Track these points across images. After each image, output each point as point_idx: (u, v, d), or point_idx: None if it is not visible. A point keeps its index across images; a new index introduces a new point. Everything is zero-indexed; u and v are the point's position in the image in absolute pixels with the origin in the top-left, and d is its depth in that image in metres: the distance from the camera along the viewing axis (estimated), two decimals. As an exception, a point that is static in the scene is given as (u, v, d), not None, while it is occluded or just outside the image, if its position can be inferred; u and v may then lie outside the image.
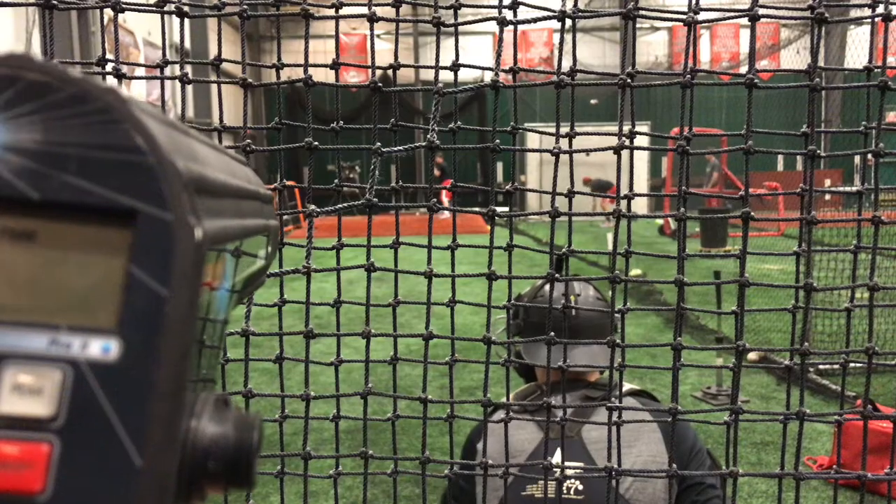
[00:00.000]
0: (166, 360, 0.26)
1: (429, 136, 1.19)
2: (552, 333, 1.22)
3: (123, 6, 1.15)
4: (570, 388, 1.39)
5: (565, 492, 1.48)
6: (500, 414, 1.41)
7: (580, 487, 1.49)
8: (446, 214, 1.31)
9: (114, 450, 0.25)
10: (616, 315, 1.25)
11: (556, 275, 1.21)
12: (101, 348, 0.25)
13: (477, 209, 1.31)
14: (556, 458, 1.40)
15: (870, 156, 1.14)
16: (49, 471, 0.24)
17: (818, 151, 1.12)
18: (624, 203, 1.21)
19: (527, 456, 1.52)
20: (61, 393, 0.25)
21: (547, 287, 1.65)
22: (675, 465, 1.21)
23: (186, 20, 1.20)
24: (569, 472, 1.49)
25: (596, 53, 21.81)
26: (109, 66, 1.21)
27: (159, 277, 0.26)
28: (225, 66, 1.24)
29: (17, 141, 0.26)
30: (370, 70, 1.26)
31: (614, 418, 1.20)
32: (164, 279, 0.26)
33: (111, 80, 1.19)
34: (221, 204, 0.31)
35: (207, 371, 0.32)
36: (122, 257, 0.26)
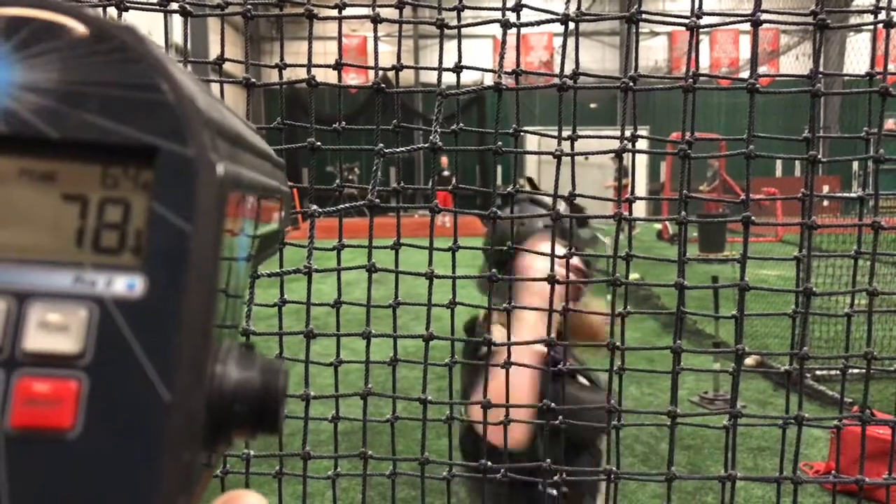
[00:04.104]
0: (192, 294, 0.25)
1: (431, 137, 1.19)
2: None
3: (127, 5, 1.15)
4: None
5: None
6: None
7: None
8: (446, 224, 1.31)
9: (142, 385, 0.25)
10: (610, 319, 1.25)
11: (552, 289, 1.21)
12: (126, 285, 0.25)
13: (477, 212, 1.31)
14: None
15: (870, 162, 1.15)
16: (78, 407, 0.24)
17: (820, 157, 1.13)
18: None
19: None
20: (87, 330, 0.25)
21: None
22: (673, 470, 1.21)
23: (188, 20, 1.20)
24: None
25: (595, 57, 21.85)
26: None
27: (182, 213, 0.26)
28: (225, 67, 1.24)
29: (35, 80, 0.26)
30: (370, 71, 1.26)
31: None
32: (188, 215, 0.26)
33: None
34: (238, 153, 0.31)
35: (232, 320, 0.31)
36: (144, 195, 0.26)
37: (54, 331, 0.25)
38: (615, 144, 1.19)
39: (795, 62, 18.11)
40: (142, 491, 0.24)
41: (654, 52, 22.38)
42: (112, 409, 0.24)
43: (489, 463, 1.27)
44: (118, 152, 0.26)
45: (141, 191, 0.26)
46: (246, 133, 0.34)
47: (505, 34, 1.16)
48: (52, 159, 0.26)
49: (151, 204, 0.26)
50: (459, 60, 1.21)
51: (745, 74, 1.12)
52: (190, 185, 0.26)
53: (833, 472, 1.20)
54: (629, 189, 1.32)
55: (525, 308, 1.59)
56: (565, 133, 1.21)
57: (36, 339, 0.25)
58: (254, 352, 0.30)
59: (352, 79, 16.36)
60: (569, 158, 1.20)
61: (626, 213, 1.19)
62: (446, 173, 15.90)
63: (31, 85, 0.26)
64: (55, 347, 0.25)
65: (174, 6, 1.18)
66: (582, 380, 1.69)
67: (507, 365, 1.25)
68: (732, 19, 1.17)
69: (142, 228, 0.26)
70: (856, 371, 1.25)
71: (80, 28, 0.26)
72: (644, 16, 1.14)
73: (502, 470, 1.28)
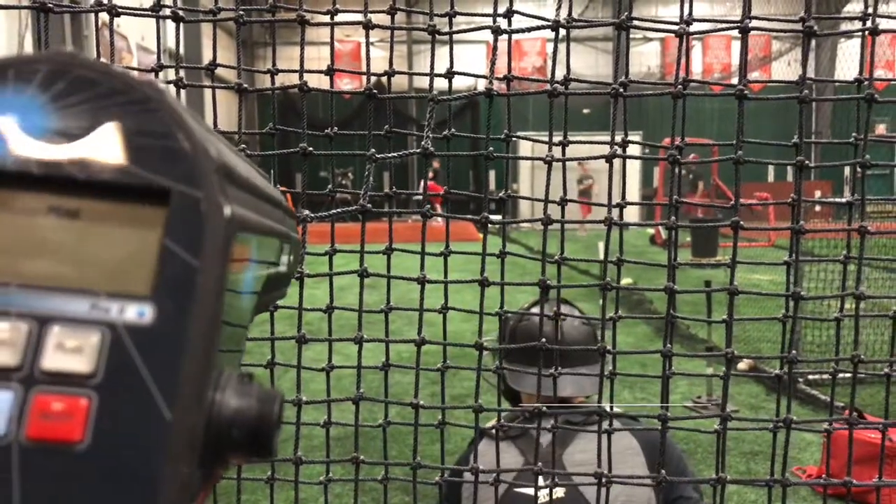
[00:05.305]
0: (196, 324, 0.28)
1: (423, 142, 1.19)
2: (542, 349, 1.22)
3: (119, 11, 1.15)
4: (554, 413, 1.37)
5: None
6: (485, 441, 1.41)
7: None
8: (439, 221, 1.31)
9: (146, 404, 0.27)
10: (604, 324, 1.25)
11: (546, 294, 1.22)
12: (137, 313, 0.28)
13: (470, 216, 1.31)
14: (539, 482, 1.39)
15: (857, 167, 1.16)
16: (88, 422, 0.27)
17: (807, 162, 1.13)
18: (616, 211, 1.21)
19: (510, 481, 1.50)
20: (100, 352, 0.27)
21: (533, 310, 1.65)
22: (663, 472, 1.21)
23: (180, 25, 1.20)
24: (554, 494, 1.49)
25: (588, 63, 21.90)
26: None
27: (191, 249, 0.28)
28: (218, 72, 1.24)
29: (66, 127, 0.29)
30: (363, 77, 1.27)
31: (599, 443, 1.20)
32: (196, 251, 0.28)
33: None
34: (246, 197, 0.34)
35: (234, 349, 0.34)
36: (157, 231, 0.29)
37: (70, 352, 0.27)
38: (606, 150, 1.20)
39: (787, 68, 18.22)
40: (141, 502, 0.26)
41: (646, 58, 22.46)
42: (118, 425, 0.27)
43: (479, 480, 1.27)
44: (137, 192, 0.29)
45: (155, 228, 0.29)
46: (258, 181, 0.37)
47: (496, 40, 1.17)
48: (78, 197, 0.29)
49: (163, 240, 0.29)
50: (451, 66, 1.21)
51: (736, 80, 1.13)
52: (199, 224, 0.29)
53: (823, 476, 1.21)
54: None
55: (517, 313, 1.60)
56: (557, 139, 1.22)
57: (53, 359, 0.27)
58: (252, 381, 0.32)
59: (345, 84, 16.37)
60: (559, 164, 1.21)
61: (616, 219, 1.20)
62: (430, 175, 16.17)
63: (63, 131, 0.29)
64: (70, 367, 0.27)
65: (166, 12, 1.18)
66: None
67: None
68: (721, 26, 1.18)
69: (154, 262, 0.29)
70: (847, 375, 1.25)
71: (108, 82, 0.29)
72: (634, 22, 1.15)
73: (494, 475, 1.28)
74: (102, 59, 1.24)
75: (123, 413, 0.27)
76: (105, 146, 0.29)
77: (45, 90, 0.29)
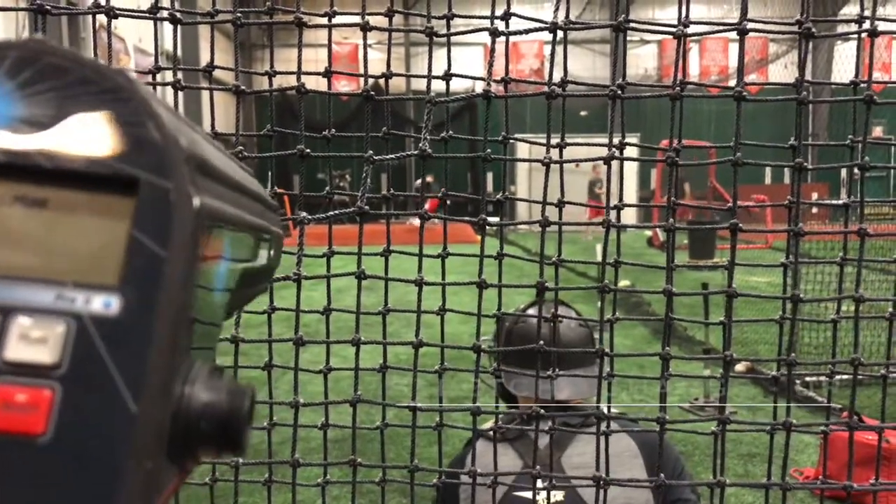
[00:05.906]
0: (163, 315, 0.28)
1: (420, 144, 1.19)
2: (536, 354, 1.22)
3: (117, 12, 1.15)
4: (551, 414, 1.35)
5: None
6: (481, 442, 1.40)
7: None
8: (436, 223, 1.31)
9: (111, 396, 0.26)
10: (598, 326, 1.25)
11: (540, 302, 1.22)
12: (103, 303, 0.27)
13: (467, 218, 1.31)
14: (538, 485, 1.37)
15: (856, 169, 1.16)
16: (51, 414, 0.26)
17: (805, 164, 1.13)
18: (613, 214, 1.21)
19: (509, 484, 1.49)
20: (64, 343, 0.27)
21: (529, 312, 1.65)
22: (662, 476, 1.21)
23: (178, 27, 1.20)
24: (551, 498, 1.48)
25: (586, 65, 21.91)
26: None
27: (159, 240, 0.28)
28: (216, 73, 1.24)
29: (34, 115, 0.29)
30: (361, 79, 1.27)
31: (595, 445, 1.20)
32: (164, 242, 0.28)
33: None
34: (220, 189, 0.33)
35: (205, 343, 0.33)
36: (125, 221, 0.28)
37: (34, 343, 0.27)
38: (604, 152, 1.20)
39: (784, 70, 18.25)
40: (104, 495, 0.26)
41: (643, 60, 22.47)
42: (82, 417, 0.26)
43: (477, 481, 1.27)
44: (105, 182, 0.29)
45: (123, 217, 0.28)
46: (235, 173, 0.37)
47: (494, 42, 1.17)
48: (45, 186, 0.29)
49: (132, 230, 0.28)
50: (449, 69, 1.21)
51: (734, 82, 1.13)
52: (168, 214, 0.28)
53: (821, 478, 1.21)
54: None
55: (513, 315, 1.60)
56: (554, 140, 1.22)
57: (16, 350, 0.27)
58: (222, 374, 0.32)
59: (343, 86, 16.36)
60: (558, 165, 1.21)
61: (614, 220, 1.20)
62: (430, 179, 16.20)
63: (30, 119, 0.28)
64: (34, 358, 0.26)
65: (164, 14, 1.18)
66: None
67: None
68: (719, 28, 1.18)
69: (122, 252, 0.28)
70: (844, 377, 1.25)
71: (77, 70, 0.29)
72: (632, 24, 1.15)
73: (491, 478, 1.28)
74: (100, 61, 1.24)
75: (88, 405, 0.26)
76: (74, 135, 0.29)
77: (13, 77, 0.29)
